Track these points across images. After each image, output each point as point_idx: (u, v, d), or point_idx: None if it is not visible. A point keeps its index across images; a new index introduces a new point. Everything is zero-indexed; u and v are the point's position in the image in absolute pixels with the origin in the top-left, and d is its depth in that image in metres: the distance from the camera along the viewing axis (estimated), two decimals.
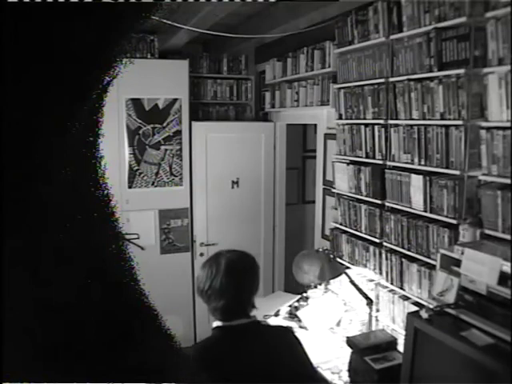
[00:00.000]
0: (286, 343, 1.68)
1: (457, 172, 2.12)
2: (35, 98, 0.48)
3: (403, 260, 2.48)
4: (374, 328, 2.65)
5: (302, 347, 1.71)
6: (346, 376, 2.34)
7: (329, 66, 3.18)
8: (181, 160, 4.06)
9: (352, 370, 2.26)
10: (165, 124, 3.96)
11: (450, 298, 1.85)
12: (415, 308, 2.29)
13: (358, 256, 2.89)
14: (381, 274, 2.67)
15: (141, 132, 3.90)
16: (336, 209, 3.13)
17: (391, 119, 2.54)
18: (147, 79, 3.82)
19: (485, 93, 1.97)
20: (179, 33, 3.46)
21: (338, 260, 3.00)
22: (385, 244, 2.64)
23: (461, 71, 2.05)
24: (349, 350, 2.29)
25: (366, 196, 2.78)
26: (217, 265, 1.58)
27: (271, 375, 1.54)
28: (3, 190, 0.48)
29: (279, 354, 1.61)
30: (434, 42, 2.18)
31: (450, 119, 2.14)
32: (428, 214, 2.30)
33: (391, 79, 2.51)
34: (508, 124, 1.85)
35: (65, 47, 0.49)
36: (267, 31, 3.47)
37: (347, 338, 2.33)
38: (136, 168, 3.93)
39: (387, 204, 2.61)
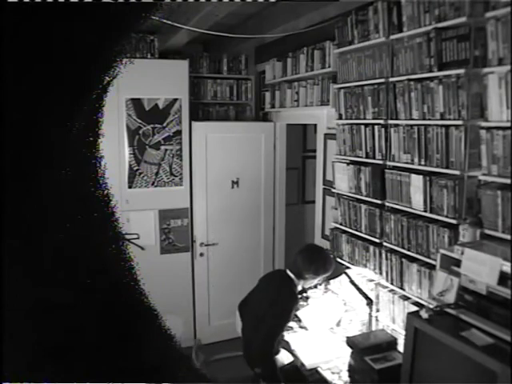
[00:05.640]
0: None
1: (457, 172, 2.12)
2: (35, 97, 0.48)
3: (403, 260, 2.48)
4: (374, 328, 2.65)
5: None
6: (346, 376, 2.34)
7: (329, 66, 3.18)
8: (181, 160, 4.06)
9: (352, 370, 2.26)
10: (165, 124, 3.96)
11: (450, 298, 1.85)
12: (415, 308, 2.28)
13: (357, 256, 2.89)
14: (381, 273, 2.67)
15: (141, 132, 3.90)
16: (336, 209, 3.12)
17: (391, 119, 2.54)
18: (147, 79, 3.82)
19: (485, 93, 1.97)
20: (179, 33, 3.46)
21: (338, 260, 3.00)
22: (385, 244, 2.64)
23: (461, 71, 2.05)
24: (349, 350, 2.29)
25: (366, 196, 2.78)
26: None
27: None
28: (3, 190, 0.48)
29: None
30: (433, 42, 2.18)
31: (450, 119, 2.14)
32: (428, 214, 2.30)
33: (391, 79, 2.51)
34: (508, 124, 1.84)
35: (65, 47, 0.49)
36: (267, 31, 3.47)
37: (347, 337, 2.33)
38: (136, 168, 3.93)
39: (387, 204, 2.61)
